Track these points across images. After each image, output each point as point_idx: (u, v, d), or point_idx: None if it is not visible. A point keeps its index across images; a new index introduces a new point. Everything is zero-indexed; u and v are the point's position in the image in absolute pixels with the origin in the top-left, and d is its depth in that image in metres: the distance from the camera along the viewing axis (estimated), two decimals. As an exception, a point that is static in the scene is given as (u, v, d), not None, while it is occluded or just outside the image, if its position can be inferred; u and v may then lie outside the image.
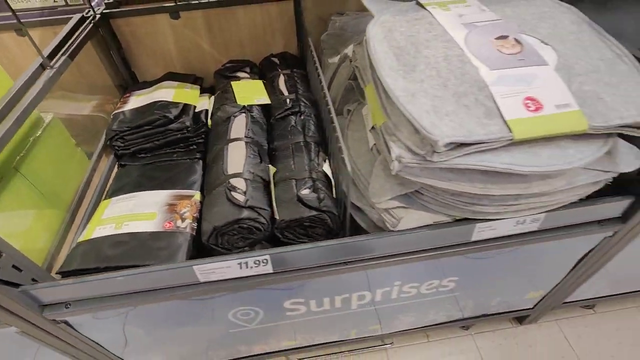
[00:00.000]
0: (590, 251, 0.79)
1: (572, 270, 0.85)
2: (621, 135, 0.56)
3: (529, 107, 0.53)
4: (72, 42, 0.87)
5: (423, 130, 0.51)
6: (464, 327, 1.13)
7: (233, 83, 0.95)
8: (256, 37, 1.13)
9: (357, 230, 0.72)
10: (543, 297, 0.97)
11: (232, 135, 0.78)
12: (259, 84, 0.96)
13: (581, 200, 0.64)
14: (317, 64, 0.83)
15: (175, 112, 0.94)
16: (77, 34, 0.91)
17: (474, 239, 0.67)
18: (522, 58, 0.58)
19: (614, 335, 1.12)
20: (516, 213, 0.61)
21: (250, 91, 0.93)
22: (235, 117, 0.82)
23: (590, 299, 1.07)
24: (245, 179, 0.67)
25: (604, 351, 1.09)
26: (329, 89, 0.91)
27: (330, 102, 0.72)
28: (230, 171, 0.69)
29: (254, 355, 1.02)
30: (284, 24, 1.12)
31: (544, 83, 0.55)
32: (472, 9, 0.70)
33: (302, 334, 0.96)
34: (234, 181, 0.67)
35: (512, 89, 0.54)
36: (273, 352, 1.02)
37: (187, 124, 0.93)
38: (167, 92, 1.02)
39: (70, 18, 0.95)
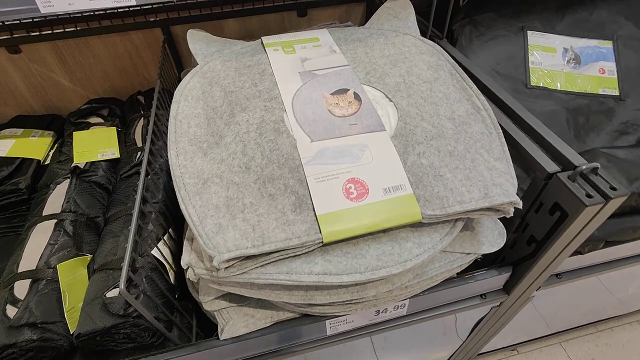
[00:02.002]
0: (482, 319, 0.70)
1: (470, 334, 0.76)
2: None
3: (351, 193, 0.41)
4: None
5: (199, 239, 0.38)
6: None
7: (76, 133, 0.79)
8: (124, 69, 0.97)
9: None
10: (449, 358, 0.88)
11: (46, 211, 0.62)
12: (111, 132, 0.81)
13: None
14: (154, 109, 0.67)
15: (5, 172, 0.77)
16: None
17: (330, 333, 0.55)
18: (354, 122, 0.47)
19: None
20: (366, 307, 0.50)
21: (96, 143, 0.77)
22: (58, 184, 0.66)
23: (509, 346, 0.99)
24: (35, 280, 0.52)
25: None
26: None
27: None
28: (23, 267, 0.54)
29: None
30: (155, 54, 0.96)
31: (374, 157, 0.43)
32: (321, 51, 0.58)
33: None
34: (18, 285, 0.52)
35: (332, 169, 0.42)
36: None
37: (22, 185, 0.76)
38: (3, 145, 0.84)
39: None
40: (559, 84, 0.72)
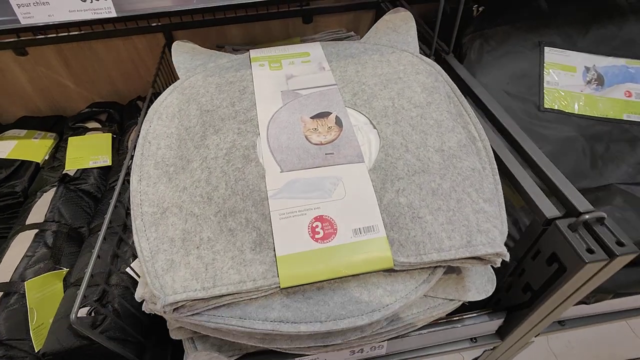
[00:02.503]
0: (477, 358, 0.64)
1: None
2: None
3: (317, 232, 0.37)
4: None
5: (147, 277, 0.35)
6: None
7: (71, 139, 0.79)
8: (127, 73, 0.97)
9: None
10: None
11: (30, 220, 0.62)
12: (106, 138, 0.80)
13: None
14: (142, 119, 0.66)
15: (3, 174, 0.78)
16: None
17: (301, 370, 0.52)
18: (331, 151, 0.43)
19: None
20: (337, 349, 0.46)
21: (89, 149, 0.77)
22: (44, 191, 0.66)
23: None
24: (7, 294, 0.51)
25: None
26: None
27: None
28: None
29: None
30: (158, 59, 0.96)
31: (347, 193, 0.40)
32: (309, 68, 0.54)
33: None
34: (-11, 297, 0.51)
35: (300, 204, 0.39)
36: None
37: (17, 188, 0.77)
38: (5, 146, 0.85)
39: None
40: (576, 107, 0.65)
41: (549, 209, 0.41)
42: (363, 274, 0.37)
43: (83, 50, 0.91)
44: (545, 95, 0.66)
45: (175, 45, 0.58)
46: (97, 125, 0.86)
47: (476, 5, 0.80)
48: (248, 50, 0.58)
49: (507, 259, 0.37)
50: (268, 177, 0.41)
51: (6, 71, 0.92)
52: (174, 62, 0.55)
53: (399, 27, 0.61)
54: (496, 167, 0.43)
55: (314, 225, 0.38)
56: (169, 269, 0.36)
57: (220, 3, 0.49)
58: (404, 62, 0.54)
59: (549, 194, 0.43)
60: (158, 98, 0.50)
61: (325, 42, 0.60)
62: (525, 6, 0.73)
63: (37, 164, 0.84)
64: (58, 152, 0.79)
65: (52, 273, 0.55)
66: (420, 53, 0.70)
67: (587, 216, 0.37)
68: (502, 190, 0.41)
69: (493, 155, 0.44)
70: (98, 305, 0.48)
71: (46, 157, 0.84)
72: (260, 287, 0.35)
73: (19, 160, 0.82)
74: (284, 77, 0.53)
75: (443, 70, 0.54)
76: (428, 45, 0.71)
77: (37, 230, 0.60)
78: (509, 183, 0.46)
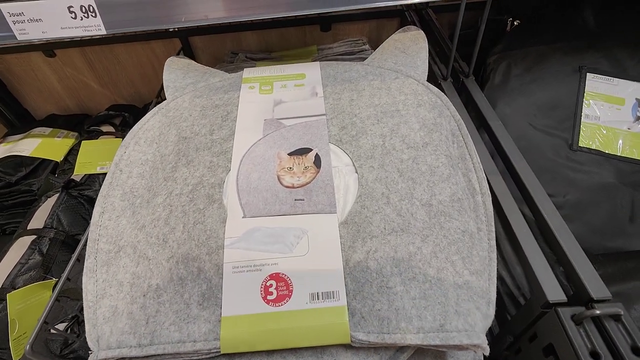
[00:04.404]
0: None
1: None
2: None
3: (270, 293, 0.34)
4: None
5: (86, 324, 0.34)
6: None
7: (84, 143, 0.81)
8: (147, 76, 0.99)
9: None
10: None
11: (31, 225, 0.64)
12: (116, 143, 0.82)
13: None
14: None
15: (23, 172, 0.82)
16: None
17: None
18: (301, 197, 0.39)
19: None
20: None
21: (99, 154, 0.79)
22: (48, 197, 0.68)
23: None
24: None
25: None
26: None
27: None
28: (-8, 284, 0.56)
29: None
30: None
31: (311, 249, 0.35)
32: (301, 93, 0.50)
33: None
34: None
35: (257, 257, 0.35)
36: None
37: (34, 187, 0.81)
38: (31, 144, 0.90)
39: None
40: (619, 148, 0.55)
41: (552, 289, 0.34)
42: (312, 345, 0.33)
43: (105, 53, 0.94)
44: (581, 131, 0.56)
45: (169, 62, 0.56)
46: (111, 129, 0.88)
47: (511, 19, 0.71)
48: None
49: (487, 352, 0.31)
50: (229, 222, 0.37)
51: (37, 71, 0.97)
52: (163, 81, 0.53)
53: (409, 48, 0.54)
54: (494, 230, 0.37)
55: (268, 284, 0.34)
56: (110, 318, 0.34)
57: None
58: (406, 91, 0.48)
59: (555, 267, 0.36)
60: (140, 120, 0.49)
61: (325, 62, 0.55)
62: (569, 23, 0.63)
63: (56, 162, 0.87)
64: (70, 155, 0.82)
65: (39, 284, 0.57)
66: (436, 74, 0.64)
67: (598, 311, 0.30)
68: (496, 260, 0.35)
69: (493, 214, 0.38)
70: (70, 327, 0.48)
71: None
72: (199, 351, 0.32)
73: (39, 158, 0.86)
74: (272, 102, 0.49)
75: (450, 103, 0.47)
76: (445, 64, 0.63)
77: (34, 237, 0.62)
78: (510, 247, 0.39)
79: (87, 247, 0.38)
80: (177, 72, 0.55)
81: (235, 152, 0.43)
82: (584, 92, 0.58)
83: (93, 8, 0.49)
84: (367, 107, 0.47)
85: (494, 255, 0.35)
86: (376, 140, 0.43)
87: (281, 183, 0.40)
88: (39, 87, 1.01)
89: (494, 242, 0.36)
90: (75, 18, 0.50)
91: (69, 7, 0.49)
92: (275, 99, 0.50)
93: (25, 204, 0.81)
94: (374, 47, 0.88)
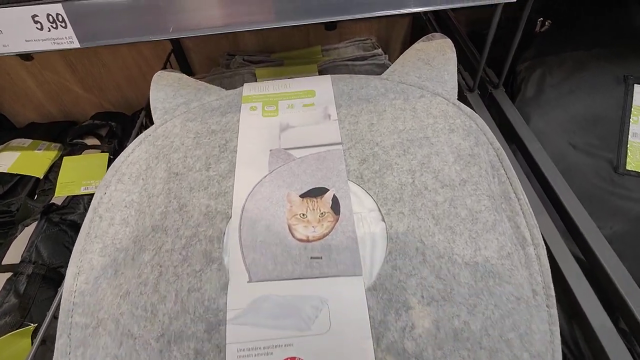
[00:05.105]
0: None
1: None
2: None
3: (285, 384, 0.27)
4: None
5: None
6: None
7: (65, 159, 0.73)
8: (134, 80, 0.90)
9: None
10: None
11: (6, 259, 0.57)
12: (102, 159, 0.74)
13: None
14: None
15: (1, 190, 0.75)
16: None
17: None
18: (319, 255, 0.32)
19: None
20: None
21: (83, 172, 0.71)
22: (25, 225, 0.61)
23: None
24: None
25: None
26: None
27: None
28: (-38, 331, 0.50)
29: None
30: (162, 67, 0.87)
31: (333, 326, 0.29)
32: (311, 115, 0.43)
33: None
34: (-54, 356, 0.47)
35: (267, 336, 0.29)
36: None
37: (13, 207, 0.73)
38: (8, 158, 0.82)
39: None
40: (671, 170, 0.49)
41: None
42: None
43: (88, 55, 0.85)
44: (628, 151, 0.50)
45: (156, 78, 0.48)
46: (96, 141, 0.80)
47: (541, 19, 0.63)
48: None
49: None
50: (231, 289, 0.31)
51: (14, 75, 0.88)
52: (151, 101, 0.46)
53: (434, 59, 0.47)
54: (553, 294, 0.30)
55: (280, 372, 0.28)
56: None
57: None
58: (434, 113, 0.41)
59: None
60: (123, 151, 0.42)
61: (337, 76, 0.48)
62: (610, 23, 0.56)
63: (37, 179, 0.80)
64: (51, 172, 0.74)
65: (15, 333, 0.50)
66: (460, 84, 0.56)
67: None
68: (559, 336, 0.29)
69: (550, 272, 0.31)
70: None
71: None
72: None
73: (18, 175, 0.79)
74: (278, 127, 0.42)
75: (487, 127, 0.40)
76: (471, 72, 0.56)
77: (10, 274, 0.55)
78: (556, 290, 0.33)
79: (59, 321, 0.31)
80: (166, 90, 0.47)
81: (236, 193, 0.36)
82: (631, 106, 0.51)
83: (62, 17, 0.41)
84: (391, 133, 0.40)
85: (557, 329, 0.29)
86: (404, 177, 0.36)
87: (293, 235, 0.33)
88: (16, 92, 0.92)
89: (554, 311, 0.30)
90: (41, 29, 0.42)
91: (33, 16, 0.41)
92: (282, 123, 0.42)
93: (3, 225, 0.74)
94: (384, 47, 0.81)
